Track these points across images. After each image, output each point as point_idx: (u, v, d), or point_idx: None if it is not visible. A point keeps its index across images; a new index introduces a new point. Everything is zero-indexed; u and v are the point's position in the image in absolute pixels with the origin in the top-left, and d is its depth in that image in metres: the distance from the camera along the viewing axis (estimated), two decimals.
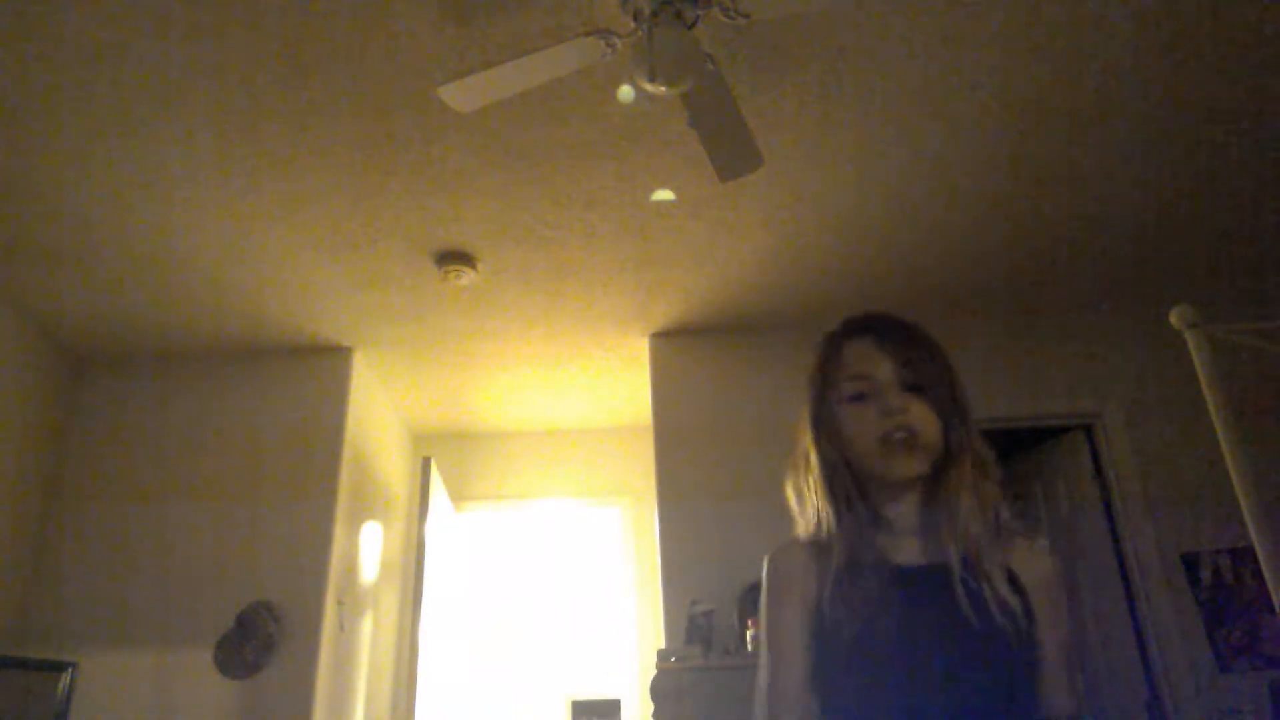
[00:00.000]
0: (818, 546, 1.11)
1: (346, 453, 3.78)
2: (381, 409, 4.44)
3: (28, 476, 3.54)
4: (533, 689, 4.87)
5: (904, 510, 1.12)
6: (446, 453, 4.80)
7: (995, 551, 1.06)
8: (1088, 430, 3.72)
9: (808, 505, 1.14)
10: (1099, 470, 3.65)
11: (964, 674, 1.01)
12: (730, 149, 2.38)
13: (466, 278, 3.36)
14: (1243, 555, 3.29)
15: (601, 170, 2.85)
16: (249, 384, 3.89)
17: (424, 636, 3.55)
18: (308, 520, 3.60)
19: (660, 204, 3.03)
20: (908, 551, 1.09)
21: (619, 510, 4.84)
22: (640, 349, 3.99)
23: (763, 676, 1.10)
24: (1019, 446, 4.10)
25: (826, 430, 1.14)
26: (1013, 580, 1.05)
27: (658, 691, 3.05)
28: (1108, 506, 3.59)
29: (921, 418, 1.08)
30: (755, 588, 3.35)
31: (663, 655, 3.15)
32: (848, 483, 1.12)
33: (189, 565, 3.52)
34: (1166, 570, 3.37)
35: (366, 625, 4.04)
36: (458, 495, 4.68)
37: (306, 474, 3.69)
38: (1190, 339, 2.15)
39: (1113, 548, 3.54)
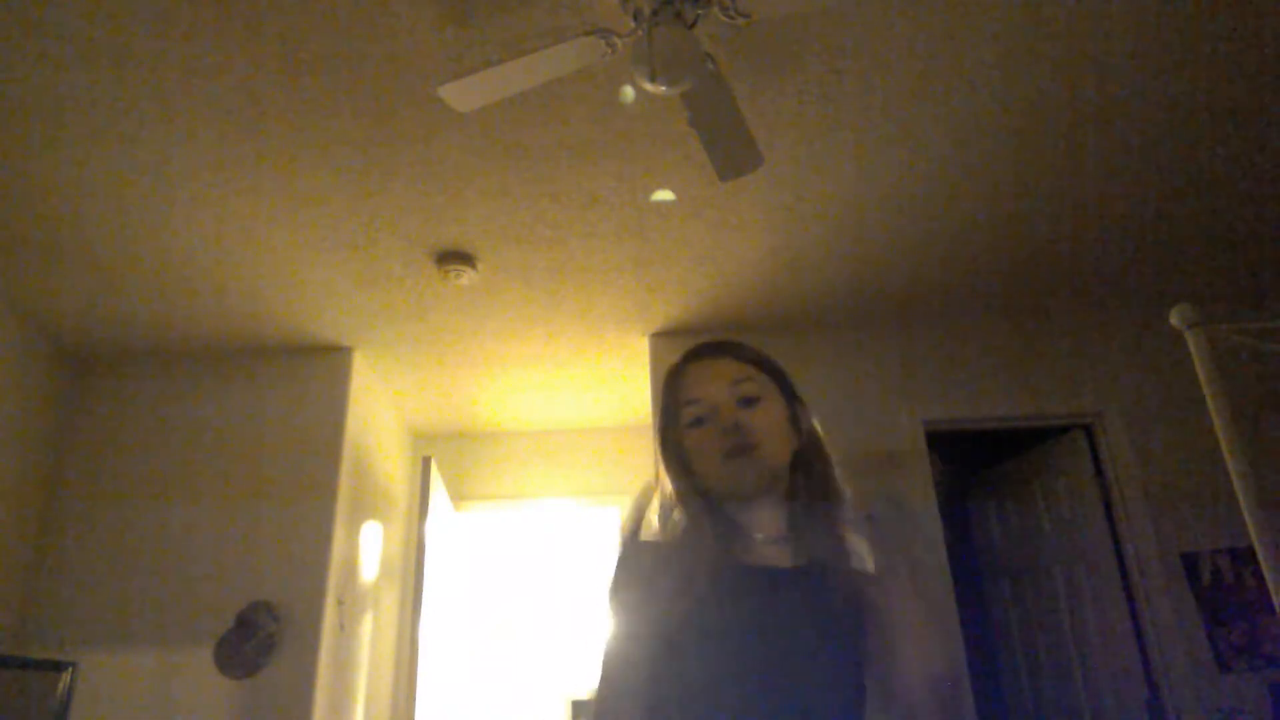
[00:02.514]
0: (670, 552, 1.13)
1: (346, 453, 3.78)
2: (381, 409, 4.44)
3: (28, 476, 3.54)
4: (533, 689, 4.87)
5: (762, 519, 1.14)
6: (446, 452, 4.80)
7: (845, 555, 1.11)
8: (1088, 430, 3.72)
9: (668, 524, 1.17)
10: (1099, 470, 3.65)
11: (810, 668, 1.03)
12: (730, 149, 2.38)
13: (466, 278, 3.37)
14: (1243, 555, 3.29)
15: (601, 170, 2.85)
16: (249, 384, 3.89)
17: (424, 636, 3.55)
18: (308, 520, 3.60)
19: (660, 204, 3.03)
20: (765, 554, 1.12)
21: (619, 510, 4.84)
22: (640, 349, 3.99)
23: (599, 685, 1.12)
24: (1019, 446, 4.10)
25: (675, 459, 1.17)
26: (861, 587, 1.09)
27: None
28: (1108, 506, 3.59)
29: (760, 429, 1.12)
30: None
31: None
32: (700, 499, 1.14)
33: (189, 565, 3.51)
34: (1166, 570, 3.37)
35: (366, 625, 4.04)
36: (458, 495, 4.68)
37: (306, 474, 3.69)
38: (1190, 339, 2.15)
39: (1113, 548, 3.54)
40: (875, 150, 2.82)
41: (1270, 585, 1.92)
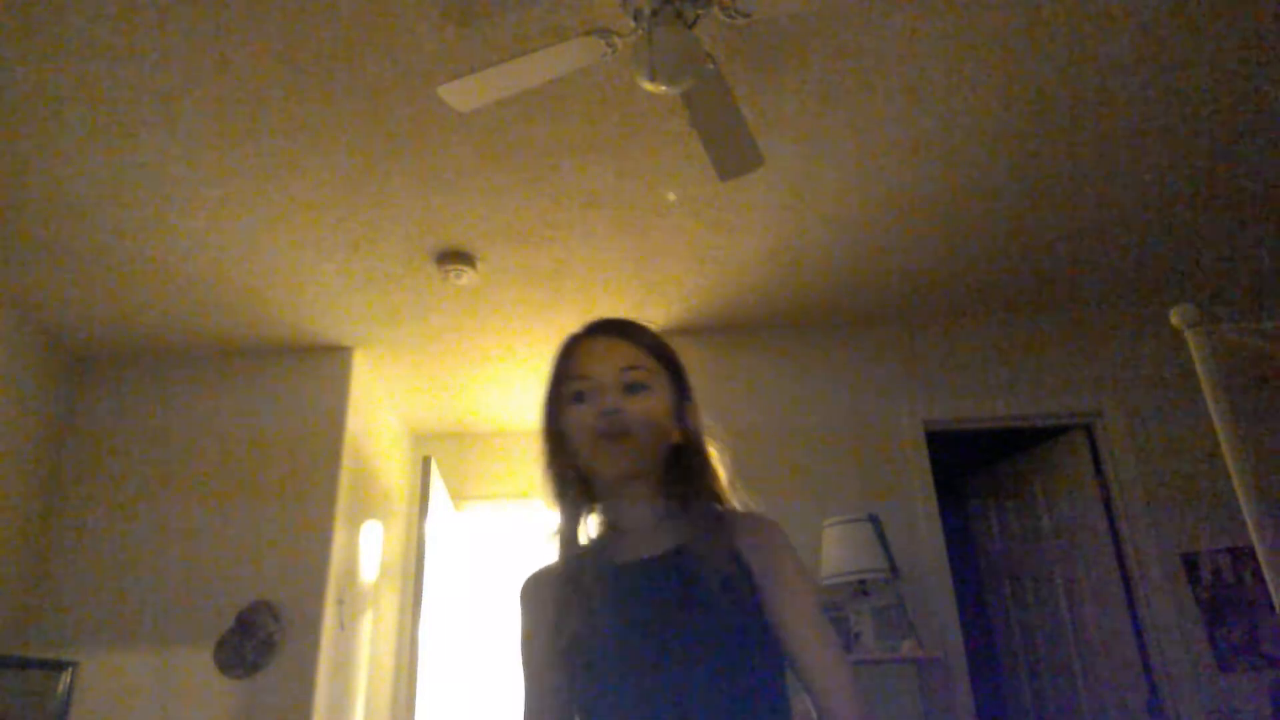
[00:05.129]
0: (559, 563, 1.15)
1: (346, 452, 3.78)
2: (381, 409, 4.44)
3: (27, 476, 3.54)
4: None
5: (634, 508, 1.14)
6: (446, 452, 4.80)
7: (718, 534, 1.08)
8: (1088, 430, 3.72)
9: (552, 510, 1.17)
10: (1099, 470, 3.65)
11: (685, 660, 1.00)
12: (730, 149, 2.38)
13: (466, 278, 3.37)
14: (1243, 555, 3.29)
15: (601, 170, 2.85)
16: (249, 384, 3.89)
17: (424, 636, 3.55)
18: (308, 520, 3.60)
19: (660, 204, 3.03)
20: (636, 548, 1.11)
21: None
22: None
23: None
24: (1019, 446, 4.10)
25: (554, 433, 1.17)
26: (737, 558, 1.06)
27: None
28: (1108, 506, 3.59)
29: (639, 416, 1.10)
30: None
31: None
32: (574, 485, 1.16)
33: (189, 565, 3.52)
34: (1166, 570, 3.38)
35: (366, 625, 4.04)
36: (458, 494, 4.68)
37: (306, 474, 3.69)
38: (1190, 339, 2.15)
39: (1113, 548, 3.54)
40: (875, 150, 2.82)
41: (1270, 585, 1.92)
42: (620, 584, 1.08)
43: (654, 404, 1.13)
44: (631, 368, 1.14)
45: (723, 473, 1.17)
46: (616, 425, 1.09)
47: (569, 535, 1.15)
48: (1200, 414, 2.18)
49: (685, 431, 1.16)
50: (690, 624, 1.02)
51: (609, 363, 1.14)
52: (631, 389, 1.12)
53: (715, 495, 1.14)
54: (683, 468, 1.14)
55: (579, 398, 1.14)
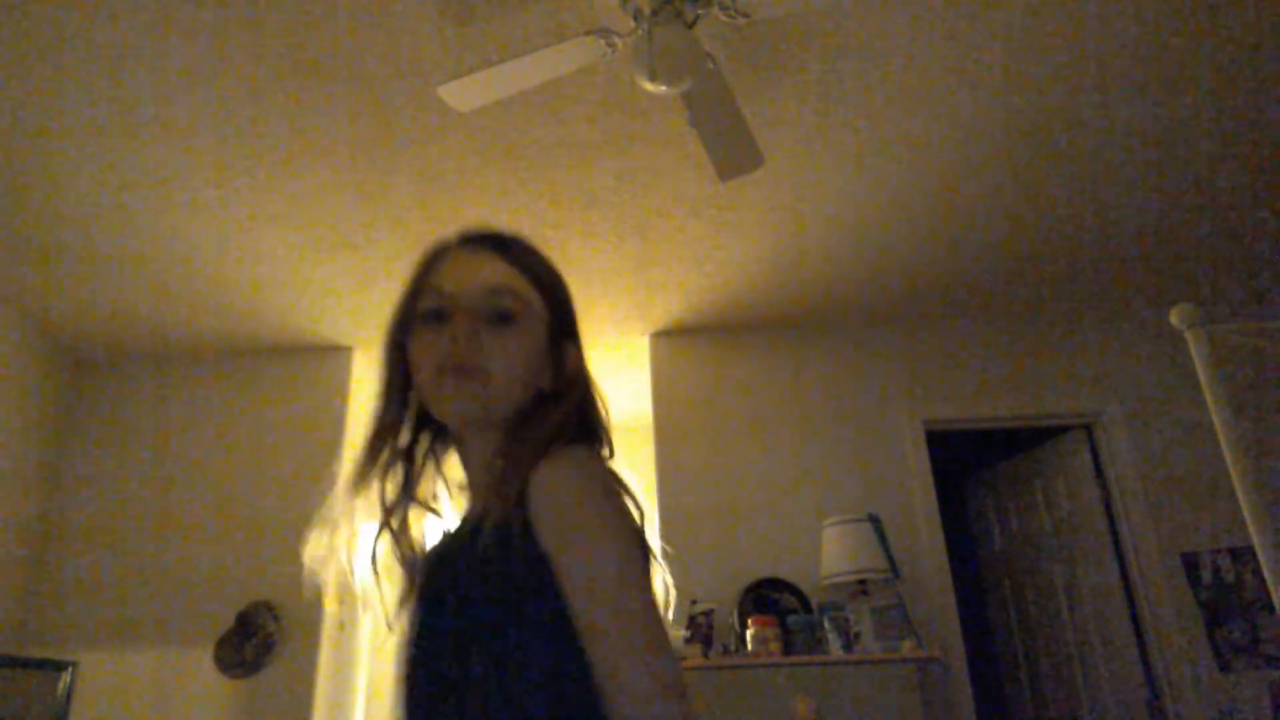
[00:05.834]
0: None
1: (347, 452, 3.76)
2: None
3: (28, 476, 3.54)
4: None
5: (474, 466, 0.95)
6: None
7: (509, 499, 0.81)
8: (1088, 430, 3.72)
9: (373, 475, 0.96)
10: (1099, 470, 3.65)
11: (425, 678, 0.83)
12: (730, 149, 2.39)
13: None
14: (1243, 555, 3.29)
15: (601, 170, 2.85)
16: (249, 383, 3.89)
17: None
18: (308, 520, 3.59)
19: (660, 204, 3.03)
20: (455, 525, 0.94)
21: None
22: (640, 348, 3.99)
23: None
24: (1019, 446, 4.10)
25: (394, 354, 0.95)
26: (519, 533, 0.79)
27: None
28: (1108, 506, 3.59)
29: (498, 354, 0.90)
30: (755, 587, 3.36)
31: None
32: (411, 426, 0.94)
33: (189, 564, 3.51)
34: (1166, 570, 3.38)
35: (366, 625, 4.04)
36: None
37: (307, 474, 3.69)
38: (1190, 339, 2.15)
39: (1113, 548, 3.54)
40: (875, 150, 2.82)
41: (1270, 585, 1.92)
42: (420, 577, 0.91)
43: (520, 340, 0.91)
44: (502, 291, 0.92)
45: (607, 429, 0.96)
46: (466, 359, 0.88)
47: (397, 492, 0.97)
48: (1200, 414, 2.19)
49: (559, 376, 0.94)
50: (452, 635, 0.82)
51: (476, 281, 0.92)
52: (499, 318, 0.91)
53: (566, 442, 0.87)
54: (546, 411, 0.90)
55: (433, 316, 0.91)
